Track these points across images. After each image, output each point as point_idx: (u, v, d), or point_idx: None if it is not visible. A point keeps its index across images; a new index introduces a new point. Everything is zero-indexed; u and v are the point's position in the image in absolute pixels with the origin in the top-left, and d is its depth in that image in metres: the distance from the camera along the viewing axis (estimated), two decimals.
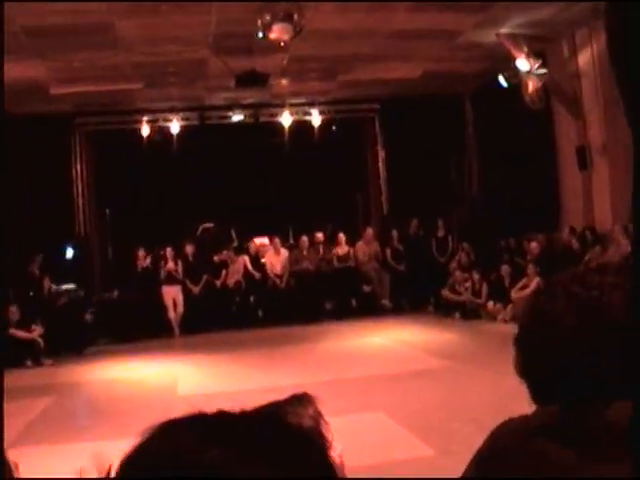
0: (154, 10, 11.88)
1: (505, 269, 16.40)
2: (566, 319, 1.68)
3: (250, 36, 12.39)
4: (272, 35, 10.57)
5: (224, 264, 18.09)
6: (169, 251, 17.49)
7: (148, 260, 17.60)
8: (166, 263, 17.42)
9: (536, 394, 1.76)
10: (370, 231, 19.26)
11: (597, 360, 1.63)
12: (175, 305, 17.24)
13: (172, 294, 17.27)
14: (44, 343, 14.13)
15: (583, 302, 1.70)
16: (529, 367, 1.75)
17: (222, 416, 1.00)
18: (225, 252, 18.22)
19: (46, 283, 16.10)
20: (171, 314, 17.19)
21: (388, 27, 13.79)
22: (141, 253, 17.55)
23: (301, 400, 1.99)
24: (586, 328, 1.65)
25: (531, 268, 15.61)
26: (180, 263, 17.58)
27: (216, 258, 18.17)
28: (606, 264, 1.82)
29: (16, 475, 3.80)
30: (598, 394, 1.62)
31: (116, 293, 17.46)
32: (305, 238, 18.65)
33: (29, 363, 13.68)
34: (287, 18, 10.34)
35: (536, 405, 1.77)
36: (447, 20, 13.56)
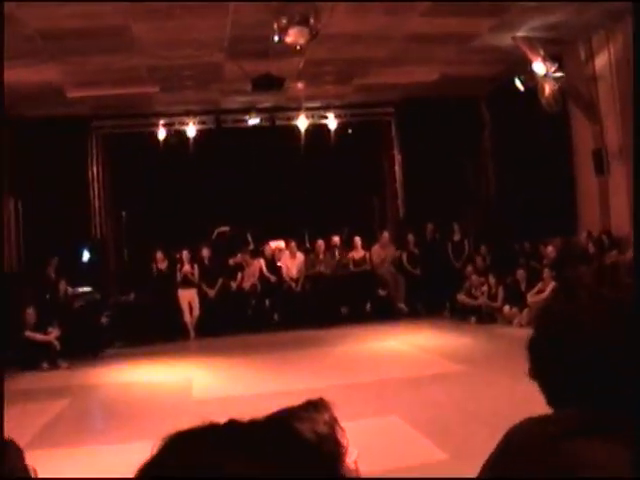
0: (169, 13, 11.90)
1: (521, 273, 16.33)
2: (590, 320, 1.67)
3: (266, 39, 12.40)
4: (288, 39, 10.57)
5: (240, 267, 18.09)
6: (185, 254, 17.52)
7: (165, 263, 17.62)
8: (182, 266, 17.45)
9: (553, 397, 1.75)
10: (386, 235, 19.23)
11: (621, 364, 1.61)
12: (191, 308, 17.27)
13: (188, 297, 17.30)
14: (60, 345, 14.17)
15: (611, 304, 1.68)
16: (547, 370, 1.74)
17: (234, 428, 0.99)
18: (240, 255, 18.22)
19: (62, 286, 16.14)
20: (187, 317, 17.21)
21: (404, 30, 13.77)
22: (159, 255, 17.57)
23: (316, 406, 1.98)
24: (612, 330, 1.63)
25: (547, 272, 15.55)
26: (196, 266, 17.60)
27: (231, 261, 18.18)
28: (619, 263, 1.78)
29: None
30: (619, 398, 1.62)
31: (132, 296, 17.47)
32: (321, 242, 18.62)
33: (45, 365, 13.73)
34: (303, 22, 10.33)
35: (552, 408, 1.76)
36: (463, 23, 13.53)
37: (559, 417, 1.72)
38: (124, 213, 19.85)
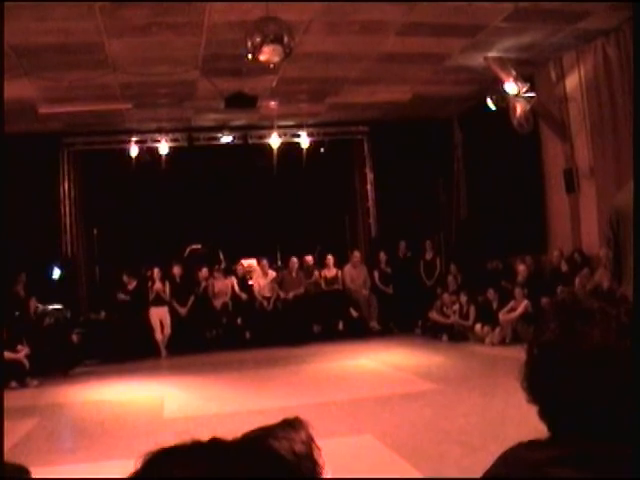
0: (144, 30, 11.90)
1: (491, 292, 16.40)
2: (604, 342, 1.69)
3: (239, 58, 12.40)
4: (262, 57, 10.56)
5: (209, 284, 18.05)
6: (156, 272, 17.44)
7: (134, 284, 17.51)
8: (153, 284, 17.38)
9: (553, 424, 1.77)
10: (357, 254, 19.27)
11: (619, 397, 1.65)
12: (162, 326, 17.18)
13: (159, 315, 17.21)
14: (29, 364, 14.02)
15: (618, 325, 1.72)
16: (547, 400, 1.76)
17: (216, 445, 0.98)
18: (204, 270, 18.15)
19: (32, 303, 16.00)
20: (158, 335, 17.12)
21: (377, 50, 13.85)
22: (125, 279, 17.47)
23: (293, 424, 1.96)
24: (617, 352, 1.67)
25: (518, 291, 15.63)
26: (167, 284, 17.53)
27: (200, 278, 18.10)
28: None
29: None
30: (619, 426, 1.65)
31: (103, 314, 17.37)
32: (295, 259, 18.63)
33: (14, 384, 13.56)
34: (277, 40, 10.34)
35: (549, 430, 1.78)
36: (436, 43, 13.63)
37: (546, 444, 1.75)
38: (95, 230, 19.73)
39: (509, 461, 1.81)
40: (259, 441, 1.86)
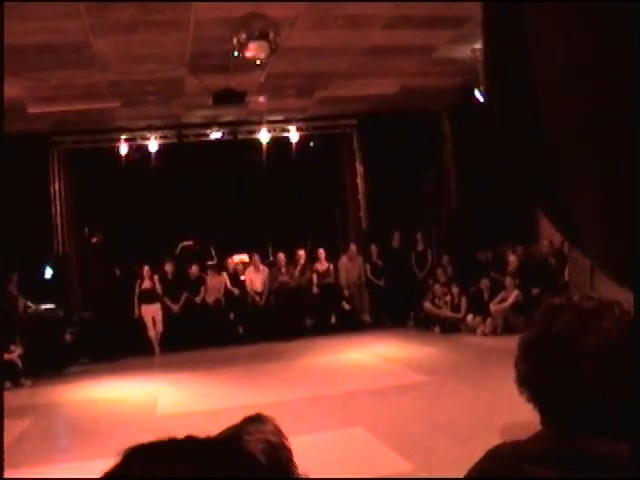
0: (130, 29, 11.90)
1: (484, 282, 16.47)
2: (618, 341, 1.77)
3: (226, 54, 12.42)
4: (248, 53, 10.59)
5: (202, 281, 18.07)
6: (146, 270, 17.44)
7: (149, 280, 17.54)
8: (142, 281, 17.40)
9: (549, 420, 1.84)
10: (353, 247, 19.30)
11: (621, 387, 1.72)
12: (154, 323, 17.20)
13: (151, 312, 17.24)
14: (23, 364, 14.04)
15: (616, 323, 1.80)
16: (545, 396, 1.83)
17: (192, 443, 1.02)
18: (195, 267, 18.17)
19: (21, 302, 16.01)
20: (151, 332, 17.15)
21: (364, 44, 13.86)
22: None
23: (259, 419, 2.05)
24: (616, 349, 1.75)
25: (509, 281, 15.70)
26: (159, 281, 17.55)
27: (191, 274, 18.12)
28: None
29: None
30: (611, 425, 1.73)
31: (96, 312, 17.39)
32: (282, 255, 18.66)
33: (8, 384, 13.58)
34: (263, 36, 10.37)
35: (543, 424, 1.85)
36: (423, 36, 13.65)
37: (532, 441, 1.82)
38: (87, 229, 19.73)
39: (492, 458, 1.87)
40: (234, 439, 1.93)
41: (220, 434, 1.95)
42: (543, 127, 0.94)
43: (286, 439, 2.05)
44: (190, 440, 1.02)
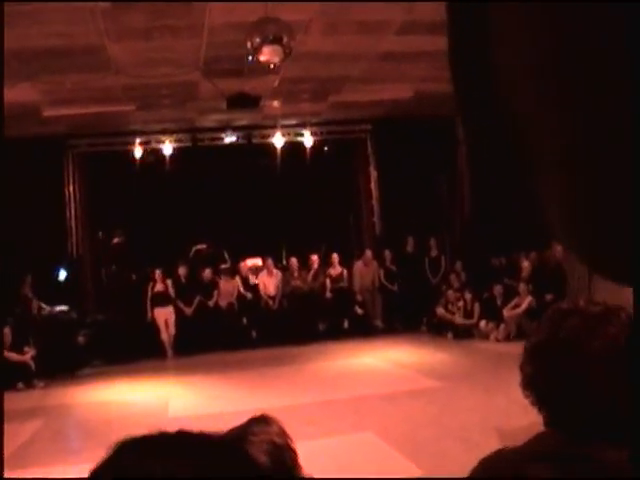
0: (145, 33, 11.96)
1: (498, 289, 16.43)
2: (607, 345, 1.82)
3: (240, 58, 12.45)
4: (262, 57, 10.60)
5: (215, 285, 18.09)
6: (158, 273, 17.46)
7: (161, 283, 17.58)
8: (155, 284, 17.43)
9: (555, 416, 1.86)
10: (369, 252, 19.28)
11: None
12: (167, 326, 17.23)
13: (164, 315, 17.26)
14: (36, 365, 14.11)
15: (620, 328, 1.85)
16: (555, 388, 1.86)
17: (182, 437, 1.03)
18: (208, 271, 18.19)
19: (35, 304, 16.08)
20: (164, 335, 17.18)
21: (377, 49, 13.87)
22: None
23: (264, 420, 2.05)
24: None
25: (523, 287, 15.66)
26: (171, 284, 17.58)
27: (204, 278, 18.14)
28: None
29: None
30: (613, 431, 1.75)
31: (109, 314, 17.45)
32: (295, 259, 18.68)
33: (21, 385, 13.65)
34: (277, 40, 10.38)
35: (547, 426, 1.88)
36: (436, 41, 13.63)
37: (531, 443, 1.84)
38: (101, 232, 19.80)
39: (493, 459, 1.89)
40: (238, 439, 1.93)
41: (225, 435, 1.95)
42: (510, 126, 0.95)
43: (291, 441, 2.05)
44: (181, 435, 1.02)
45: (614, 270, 0.96)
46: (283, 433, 2.03)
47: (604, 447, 1.75)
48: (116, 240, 19.62)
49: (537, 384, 1.88)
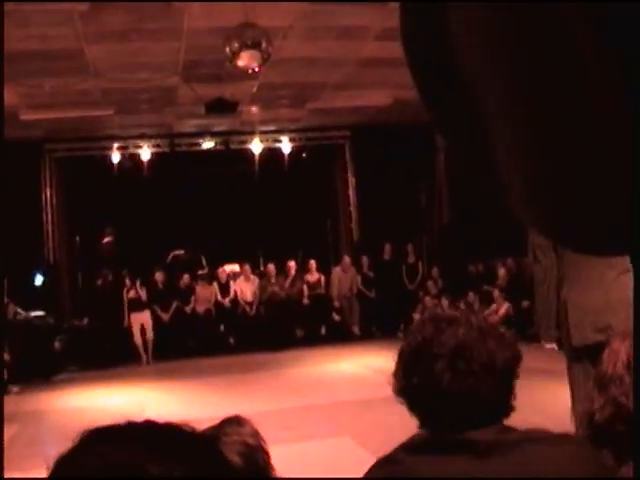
0: (123, 37, 11.94)
1: (471, 295, 16.49)
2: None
3: (219, 64, 12.47)
4: (240, 62, 10.64)
5: (191, 290, 18.04)
6: (131, 279, 17.40)
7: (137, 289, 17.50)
8: (129, 290, 17.33)
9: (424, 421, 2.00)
10: (347, 258, 19.30)
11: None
12: (144, 331, 17.12)
13: (140, 320, 17.13)
14: (12, 370, 13.99)
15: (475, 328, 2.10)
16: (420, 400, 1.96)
17: (152, 429, 1.02)
18: (186, 276, 18.15)
19: (11, 309, 15.97)
20: (137, 340, 17.04)
21: (357, 55, 13.91)
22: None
23: (236, 421, 2.05)
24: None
25: (497, 293, 15.73)
26: (148, 290, 17.49)
27: (182, 284, 18.10)
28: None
29: None
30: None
31: (86, 320, 17.37)
32: (272, 266, 18.67)
33: None
34: (255, 46, 10.41)
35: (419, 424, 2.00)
36: None
37: (404, 444, 2.09)
38: (78, 237, 19.70)
39: (381, 464, 2.05)
40: (210, 440, 1.93)
41: (195, 431, 1.95)
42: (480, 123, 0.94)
43: (264, 442, 2.06)
44: (148, 424, 1.02)
45: (578, 240, 0.95)
46: (256, 434, 2.04)
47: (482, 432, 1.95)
48: (106, 240, 19.51)
49: (404, 390, 2.06)
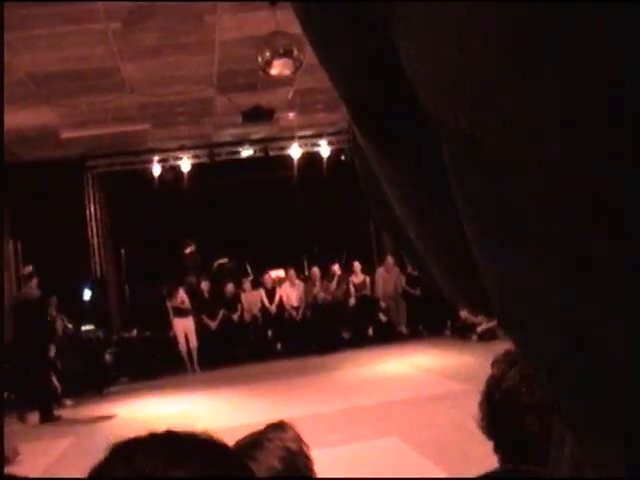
0: (157, 52, 12.11)
1: None
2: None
3: (253, 72, 12.57)
4: (273, 71, 10.72)
5: (238, 298, 18.15)
6: (180, 289, 17.51)
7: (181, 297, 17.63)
8: (175, 299, 17.41)
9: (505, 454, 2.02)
10: (390, 258, 19.27)
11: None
12: (188, 339, 17.18)
13: (183, 327, 17.20)
14: (64, 384, 14.22)
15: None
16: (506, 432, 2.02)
17: (171, 436, 1.10)
18: (230, 284, 18.24)
19: (60, 323, 16.22)
20: (182, 346, 17.12)
21: None
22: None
23: (280, 426, 2.11)
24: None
25: None
26: (194, 298, 17.60)
27: (227, 292, 18.21)
28: None
29: None
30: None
31: (135, 332, 17.58)
32: (316, 269, 18.73)
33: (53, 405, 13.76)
34: (287, 54, 10.49)
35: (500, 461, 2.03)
36: None
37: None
38: (123, 250, 19.95)
39: None
40: (254, 445, 1.99)
41: (241, 441, 2.01)
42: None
43: (307, 447, 2.10)
44: (170, 433, 1.09)
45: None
46: (298, 439, 2.09)
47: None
48: (188, 250, 19.70)
49: (489, 431, 2.06)
